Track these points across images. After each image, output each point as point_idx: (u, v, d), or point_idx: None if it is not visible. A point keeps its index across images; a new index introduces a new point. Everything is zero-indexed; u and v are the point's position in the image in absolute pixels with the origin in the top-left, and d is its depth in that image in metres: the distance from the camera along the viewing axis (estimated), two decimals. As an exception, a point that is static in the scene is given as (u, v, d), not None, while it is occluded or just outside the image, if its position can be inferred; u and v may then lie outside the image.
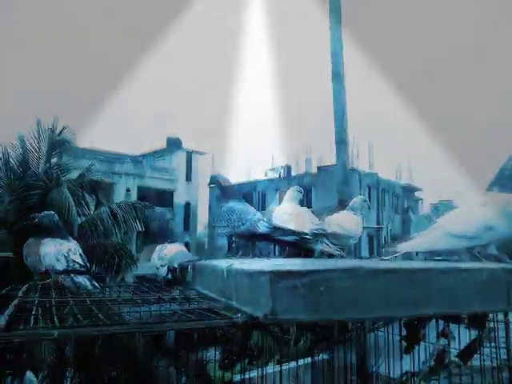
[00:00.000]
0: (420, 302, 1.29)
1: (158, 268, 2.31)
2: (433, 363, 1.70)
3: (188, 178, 27.05)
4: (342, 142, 5.12)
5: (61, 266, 2.24)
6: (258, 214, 2.30)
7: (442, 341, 1.64)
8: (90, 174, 9.27)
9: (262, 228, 2.21)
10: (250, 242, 2.32)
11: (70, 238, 2.50)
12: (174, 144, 27.26)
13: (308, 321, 1.26)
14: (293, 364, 4.10)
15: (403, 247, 1.84)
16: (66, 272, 2.22)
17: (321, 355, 3.87)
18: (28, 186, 7.42)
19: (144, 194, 22.32)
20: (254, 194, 27.54)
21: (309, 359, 4.23)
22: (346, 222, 2.49)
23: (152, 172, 25.35)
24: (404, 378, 2.39)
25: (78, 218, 7.67)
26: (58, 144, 8.58)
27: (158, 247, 2.40)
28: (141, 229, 8.98)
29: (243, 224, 2.23)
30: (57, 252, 2.29)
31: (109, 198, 12.59)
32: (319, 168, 26.89)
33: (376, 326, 2.73)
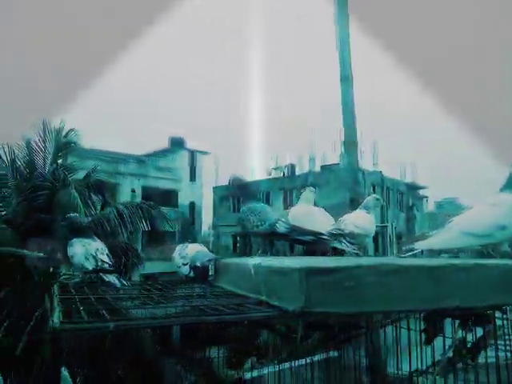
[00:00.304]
0: (441, 296, 1.35)
1: (179, 267, 2.38)
2: (451, 355, 1.75)
3: (192, 177, 27.12)
4: (351, 142, 5.15)
5: (90, 265, 2.29)
6: (277, 215, 2.37)
7: (460, 333, 1.68)
8: (96, 174, 9.32)
9: (281, 228, 2.28)
10: (268, 240, 2.39)
11: (96, 238, 2.55)
12: (177, 144, 27.33)
13: (338, 314, 1.33)
14: (300, 362, 4.11)
15: (421, 245, 1.90)
16: (95, 271, 2.27)
17: (328, 353, 3.88)
18: (35, 187, 7.47)
19: (148, 193, 22.38)
20: (258, 194, 27.55)
21: (316, 357, 4.24)
22: (361, 221, 2.52)
23: (156, 172, 25.43)
24: (414, 375, 2.41)
25: (86, 219, 7.71)
26: (65, 145, 8.64)
27: (179, 247, 2.47)
28: (147, 229, 9.04)
29: (262, 224, 2.30)
30: (85, 252, 2.34)
31: (114, 198, 12.67)
32: (322, 167, 26.89)
33: (390, 320, 2.75)
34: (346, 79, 5.17)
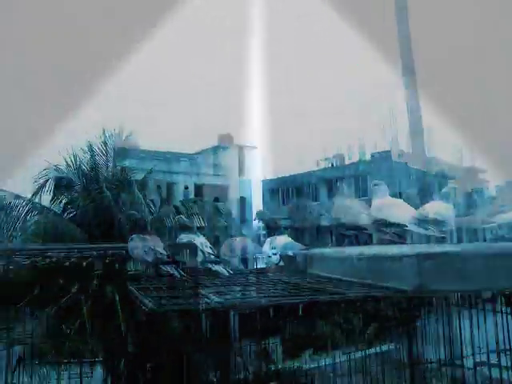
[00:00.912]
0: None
1: (270, 256, 2.62)
2: None
3: (241, 172, 27.58)
4: (417, 133, 5.17)
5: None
6: (360, 209, 2.53)
7: None
8: (153, 174, 9.83)
9: (363, 221, 2.44)
10: (348, 232, 2.57)
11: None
12: (225, 140, 27.90)
13: (446, 291, 1.55)
14: (358, 354, 4.12)
15: (498, 219, 2.10)
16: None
17: (388, 345, 3.86)
18: (101, 189, 8.01)
19: (200, 190, 23.10)
20: (307, 185, 27.43)
21: (373, 350, 4.22)
22: (440, 209, 2.57)
23: (207, 169, 26.14)
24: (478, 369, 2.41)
25: (150, 216, 8.18)
26: (124, 148, 9.17)
27: (269, 239, 2.70)
28: (203, 224, 9.40)
29: (345, 217, 2.48)
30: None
31: (171, 196, 13.25)
32: (373, 155, 26.22)
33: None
34: (409, 74, 5.19)
